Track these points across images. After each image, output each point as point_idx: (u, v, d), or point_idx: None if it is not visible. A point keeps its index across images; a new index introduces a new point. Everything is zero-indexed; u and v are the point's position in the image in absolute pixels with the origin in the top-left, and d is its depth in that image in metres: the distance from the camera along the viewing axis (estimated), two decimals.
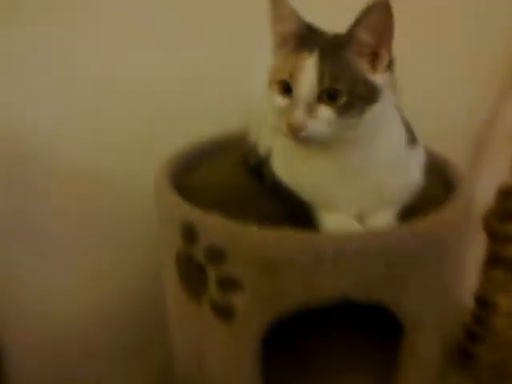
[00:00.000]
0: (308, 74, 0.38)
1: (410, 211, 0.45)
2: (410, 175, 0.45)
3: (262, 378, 0.48)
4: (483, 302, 0.62)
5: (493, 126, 0.73)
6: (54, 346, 0.86)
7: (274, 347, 0.46)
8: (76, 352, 0.90)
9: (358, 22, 0.38)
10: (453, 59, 0.71)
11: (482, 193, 0.61)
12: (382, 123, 0.41)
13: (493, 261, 0.60)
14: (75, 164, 0.72)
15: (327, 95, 0.38)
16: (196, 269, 0.46)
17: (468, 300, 0.67)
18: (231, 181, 0.54)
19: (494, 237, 0.59)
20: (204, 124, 0.68)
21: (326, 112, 0.38)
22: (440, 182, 0.53)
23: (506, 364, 0.64)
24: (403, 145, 0.43)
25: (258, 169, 0.52)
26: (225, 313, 0.45)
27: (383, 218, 0.44)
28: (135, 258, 0.78)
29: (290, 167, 0.45)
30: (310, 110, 0.38)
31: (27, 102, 0.67)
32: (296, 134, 0.39)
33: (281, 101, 0.40)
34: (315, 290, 0.42)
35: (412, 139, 0.45)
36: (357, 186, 0.42)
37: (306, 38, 0.40)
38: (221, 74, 0.71)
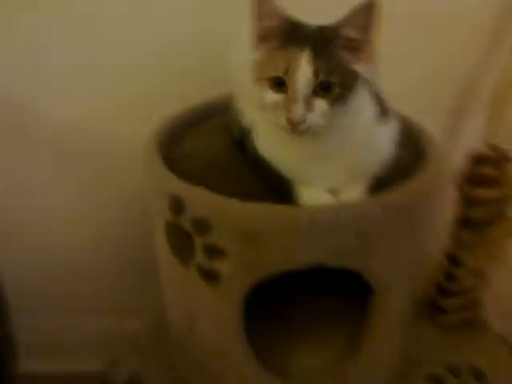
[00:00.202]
0: (304, 69, 0.41)
1: (383, 183, 0.49)
2: (382, 150, 0.48)
3: (246, 335, 0.53)
4: (453, 260, 0.67)
5: (468, 92, 0.76)
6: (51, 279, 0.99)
7: (257, 309, 0.51)
8: (74, 293, 1.01)
9: (346, 20, 0.41)
10: (428, 23, 0.73)
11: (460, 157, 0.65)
12: (359, 106, 0.44)
13: (462, 222, 0.64)
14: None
15: (321, 88, 0.41)
16: (184, 236, 0.50)
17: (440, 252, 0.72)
18: (216, 152, 0.57)
19: (464, 200, 0.63)
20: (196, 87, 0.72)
21: (321, 104, 0.41)
22: (413, 151, 0.56)
23: (470, 313, 0.71)
24: (375, 122, 0.46)
25: (241, 141, 0.55)
26: (210, 277, 0.50)
27: (355, 191, 0.48)
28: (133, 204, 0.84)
29: (271, 145, 0.49)
30: (307, 103, 0.41)
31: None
32: (296, 127, 0.42)
33: (274, 96, 0.42)
34: (292, 257, 0.47)
35: (384, 112, 0.48)
36: (331, 164, 0.46)
37: (292, 34, 0.42)
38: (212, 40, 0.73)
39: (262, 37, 0.43)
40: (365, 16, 0.40)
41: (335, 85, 0.41)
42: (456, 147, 0.73)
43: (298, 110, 0.41)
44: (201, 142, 0.60)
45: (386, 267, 0.50)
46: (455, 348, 0.70)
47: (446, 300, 0.70)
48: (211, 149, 0.58)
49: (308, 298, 0.65)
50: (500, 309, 0.75)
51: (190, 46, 0.75)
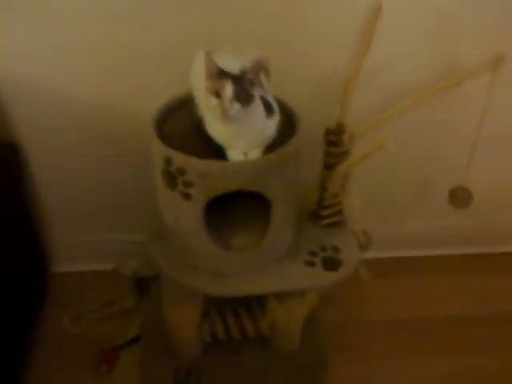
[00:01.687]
0: (227, 90, 0.85)
1: (271, 148, 0.97)
2: (270, 132, 0.93)
3: (207, 226, 1.01)
4: (323, 187, 1.17)
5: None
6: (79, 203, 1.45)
7: (213, 211, 1.00)
8: (95, 214, 1.46)
9: (248, 69, 0.85)
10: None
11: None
12: (254, 111, 0.89)
13: (324, 165, 1.12)
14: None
15: (236, 99, 0.84)
16: (171, 176, 0.96)
17: None
18: (188, 130, 1.01)
19: (324, 153, 1.11)
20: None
21: (237, 105, 0.84)
22: (290, 126, 1.02)
23: (337, 218, 1.21)
24: (265, 118, 0.92)
25: (199, 124, 1.01)
26: (186, 196, 0.96)
27: (256, 153, 0.93)
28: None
29: (213, 127, 0.93)
30: (231, 103, 0.84)
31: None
32: (227, 116, 0.86)
33: (215, 101, 0.87)
34: (226, 186, 0.92)
35: (270, 111, 0.93)
36: (244, 139, 0.91)
37: (220, 75, 0.87)
38: None
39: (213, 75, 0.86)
40: (255, 69, 0.85)
41: (241, 97, 0.83)
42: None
43: (228, 107, 0.84)
44: (179, 124, 1.03)
45: (273, 190, 0.97)
46: (326, 238, 1.16)
47: (322, 210, 1.20)
48: (185, 128, 1.02)
49: (241, 205, 1.11)
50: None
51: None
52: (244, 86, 0.85)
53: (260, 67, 0.89)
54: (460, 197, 1.19)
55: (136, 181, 1.37)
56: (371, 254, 1.21)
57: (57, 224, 1.51)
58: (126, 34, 1.18)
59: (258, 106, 0.90)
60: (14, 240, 1.29)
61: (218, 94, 0.85)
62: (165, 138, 0.98)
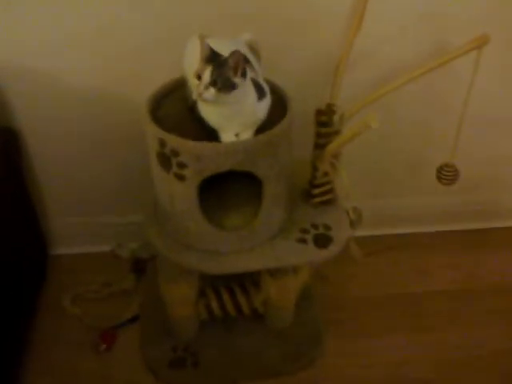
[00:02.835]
0: (206, 74, 0.87)
1: (262, 128, 0.99)
2: (261, 114, 0.96)
3: (200, 206, 1.04)
4: (314, 167, 1.19)
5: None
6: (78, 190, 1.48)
7: (206, 191, 1.03)
8: (94, 199, 1.49)
9: (229, 56, 0.88)
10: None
11: None
12: (244, 95, 0.92)
13: (315, 145, 1.15)
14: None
15: (212, 84, 0.87)
16: (166, 158, 0.99)
17: None
18: (181, 113, 1.04)
19: (315, 133, 1.14)
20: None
21: (212, 90, 0.87)
22: (281, 107, 1.04)
23: (328, 197, 1.24)
24: (256, 101, 0.95)
25: (192, 107, 1.03)
26: (180, 178, 0.98)
27: (247, 134, 0.96)
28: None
29: (205, 110, 0.96)
30: (207, 88, 0.88)
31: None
32: (200, 97, 0.89)
33: (196, 83, 0.89)
34: (219, 166, 0.95)
35: (262, 93, 0.95)
36: (235, 120, 0.93)
37: (209, 58, 0.89)
38: None
39: (201, 58, 0.89)
40: (235, 57, 0.86)
41: (218, 83, 0.86)
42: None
43: (201, 90, 0.88)
44: (173, 107, 1.06)
45: (265, 169, 1.00)
46: (317, 216, 1.20)
47: (313, 189, 1.23)
48: (178, 111, 1.05)
49: (233, 185, 1.14)
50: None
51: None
52: (224, 73, 0.86)
53: (251, 51, 0.90)
54: (447, 173, 1.22)
55: (133, 164, 1.40)
56: (362, 232, 1.24)
57: (55, 207, 1.54)
58: (124, 21, 1.20)
59: (247, 92, 0.92)
60: (12, 223, 1.32)
61: (199, 77, 0.88)
62: (159, 120, 1.00)
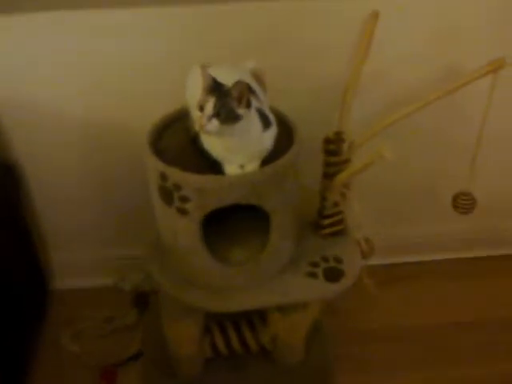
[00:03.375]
0: (209, 105, 0.82)
1: (268, 159, 0.95)
2: (266, 144, 0.92)
3: (204, 241, 0.99)
4: (322, 197, 1.14)
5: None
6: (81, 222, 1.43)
7: (210, 226, 0.98)
8: (96, 232, 1.44)
9: (232, 86, 0.83)
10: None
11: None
12: (249, 126, 0.87)
13: (324, 174, 1.10)
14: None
15: (215, 115, 0.82)
16: (167, 192, 0.94)
17: None
18: (182, 145, 1.00)
19: (324, 162, 1.10)
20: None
21: (215, 122, 0.82)
22: (288, 137, 1.00)
23: (338, 227, 1.19)
24: (261, 131, 0.90)
25: (194, 138, 0.99)
26: (183, 212, 0.94)
27: (253, 166, 0.91)
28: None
29: (208, 142, 0.92)
30: (210, 119, 0.83)
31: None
32: (203, 131, 0.84)
33: (198, 114, 0.85)
34: (223, 200, 0.91)
35: (267, 123, 0.91)
36: (239, 152, 0.89)
37: (211, 89, 0.85)
38: None
39: (203, 88, 0.85)
40: (239, 88, 0.82)
41: (221, 115, 0.81)
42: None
43: (203, 121, 0.83)
44: (174, 139, 1.02)
45: (271, 202, 0.95)
46: (328, 248, 1.14)
47: (323, 220, 1.17)
48: (179, 143, 1.00)
49: (238, 219, 1.09)
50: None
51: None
52: (227, 104, 0.82)
53: (255, 79, 0.86)
54: (464, 202, 1.16)
55: (135, 195, 1.36)
56: (374, 261, 1.19)
57: (55, 240, 1.50)
58: (121, 48, 1.17)
59: (251, 122, 0.88)
60: (13, 257, 1.28)
61: (202, 109, 0.84)
62: (160, 152, 0.96)
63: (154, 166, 0.93)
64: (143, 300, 1.48)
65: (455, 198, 1.19)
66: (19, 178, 1.34)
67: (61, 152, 1.31)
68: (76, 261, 1.52)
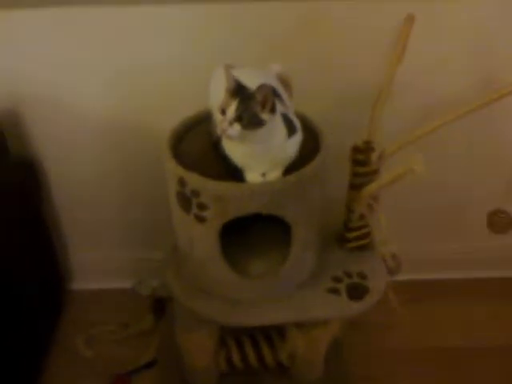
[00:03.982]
0: (231, 109, 0.78)
1: (292, 167, 0.89)
2: (290, 152, 0.87)
3: (222, 251, 0.95)
4: (349, 209, 1.09)
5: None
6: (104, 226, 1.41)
7: (229, 236, 0.94)
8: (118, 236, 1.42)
9: (256, 89, 0.79)
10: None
11: None
12: (272, 132, 0.83)
13: (351, 185, 1.05)
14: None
15: (237, 119, 0.78)
16: (186, 198, 0.91)
17: None
18: (202, 150, 0.96)
19: (351, 173, 1.04)
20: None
21: (237, 126, 0.78)
22: (314, 143, 0.95)
23: (364, 241, 1.13)
24: (285, 138, 0.86)
25: (216, 143, 0.95)
26: (201, 219, 0.91)
27: (275, 174, 0.87)
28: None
29: (230, 148, 0.88)
30: (231, 123, 0.79)
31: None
32: (224, 133, 0.80)
33: (220, 118, 0.81)
34: (242, 209, 0.87)
35: (292, 130, 0.86)
36: (261, 159, 0.85)
37: (235, 91, 0.80)
38: None
39: (226, 91, 0.80)
40: (263, 91, 0.77)
41: (244, 119, 0.77)
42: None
43: (225, 125, 0.78)
44: (195, 143, 0.99)
45: (294, 213, 0.91)
46: (352, 262, 1.09)
47: (348, 233, 1.12)
48: (200, 147, 0.97)
49: (258, 229, 1.05)
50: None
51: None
52: (250, 108, 0.78)
53: (281, 83, 0.82)
54: (499, 220, 1.09)
55: (157, 197, 1.30)
56: (401, 276, 1.13)
57: (74, 240, 1.48)
58: (143, 50, 1.14)
59: (276, 128, 0.83)
60: (30, 257, 1.27)
61: (223, 112, 0.79)
62: (180, 156, 0.93)
63: (173, 170, 0.90)
64: (160, 306, 1.44)
65: (491, 216, 1.11)
66: (41, 177, 1.33)
67: (81, 152, 1.29)
68: (95, 262, 1.50)
